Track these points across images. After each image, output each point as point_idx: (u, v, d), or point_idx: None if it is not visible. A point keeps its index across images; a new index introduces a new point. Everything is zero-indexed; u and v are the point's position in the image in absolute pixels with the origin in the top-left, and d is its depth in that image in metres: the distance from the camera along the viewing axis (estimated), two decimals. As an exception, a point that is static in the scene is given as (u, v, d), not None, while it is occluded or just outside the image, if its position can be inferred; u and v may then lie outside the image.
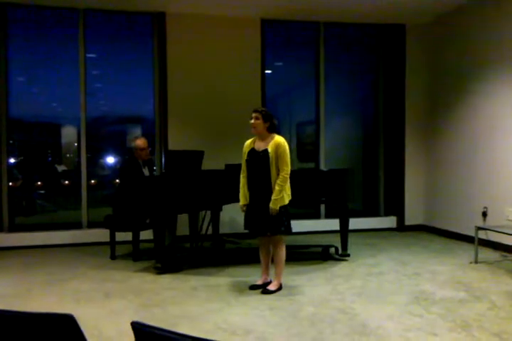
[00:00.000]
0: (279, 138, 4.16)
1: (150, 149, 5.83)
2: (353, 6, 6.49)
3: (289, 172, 4.09)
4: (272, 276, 4.38)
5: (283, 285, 4.30)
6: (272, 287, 4.24)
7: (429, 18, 7.08)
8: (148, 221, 5.49)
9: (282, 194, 4.06)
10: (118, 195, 5.74)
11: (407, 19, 7.17)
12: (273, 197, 4.04)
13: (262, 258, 4.39)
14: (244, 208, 4.27)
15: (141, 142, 5.68)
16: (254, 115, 4.18)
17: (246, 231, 4.40)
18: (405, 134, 7.41)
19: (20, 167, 7.13)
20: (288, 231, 4.19)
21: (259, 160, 4.13)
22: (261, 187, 4.12)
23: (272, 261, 4.34)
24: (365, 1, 6.29)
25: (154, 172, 6.04)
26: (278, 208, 4.05)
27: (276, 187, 4.04)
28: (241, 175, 4.30)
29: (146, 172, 5.72)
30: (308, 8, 6.61)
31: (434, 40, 7.24)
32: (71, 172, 7.36)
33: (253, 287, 4.31)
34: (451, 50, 6.84)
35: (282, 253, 4.25)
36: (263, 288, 4.24)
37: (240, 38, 6.91)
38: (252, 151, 4.21)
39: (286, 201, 4.12)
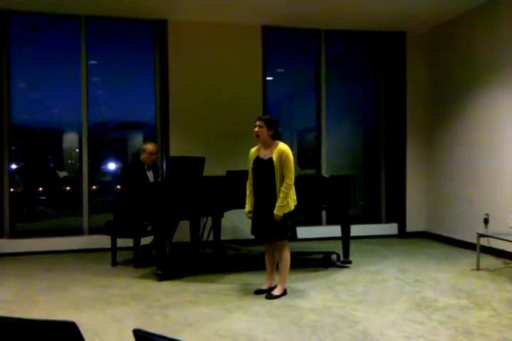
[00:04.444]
0: (282, 146, 4.19)
1: (158, 156, 5.85)
2: (354, 13, 6.53)
3: (293, 179, 4.12)
4: (277, 281, 4.38)
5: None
6: (276, 292, 4.25)
7: (429, 25, 7.11)
8: (149, 228, 5.49)
9: (287, 200, 4.09)
10: (119, 201, 5.73)
11: (407, 27, 7.20)
12: (278, 204, 4.08)
13: (267, 263, 4.42)
14: (250, 215, 4.31)
15: (152, 147, 5.67)
16: (257, 123, 4.21)
17: (247, 237, 4.40)
18: (406, 140, 7.43)
19: (21, 173, 7.14)
20: (294, 236, 4.23)
21: (265, 169, 4.17)
22: (266, 194, 4.17)
23: (277, 266, 4.36)
24: (366, 8, 6.32)
25: (159, 178, 6.03)
26: (282, 215, 4.08)
27: (281, 195, 4.08)
28: (247, 183, 4.34)
29: (150, 176, 5.71)
30: (309, 16, 6.65)
31: (434, 48, 7.27)
32: (72, 178, 7.37)
33: (258, 291, 4.34)
34: (451, 57, 6.86)
35: (287, 258, 4.27)
36: (267, 293, 4.25)
37: (241, 45, 6.94)
38: (258, 159, 4.25)
39: (292, 207, 4.15)
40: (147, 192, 4.96)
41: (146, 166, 5.68)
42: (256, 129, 4.21)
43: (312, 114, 7.52)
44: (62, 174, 7.56)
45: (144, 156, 5.67)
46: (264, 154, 4.23)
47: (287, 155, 4.14)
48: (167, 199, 4.80)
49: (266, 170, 4.16)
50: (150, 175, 5.71)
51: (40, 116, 7.24)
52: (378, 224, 7.57)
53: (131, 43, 7.20)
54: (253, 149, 4.35)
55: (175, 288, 4.60)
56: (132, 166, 5.77)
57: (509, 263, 5.49)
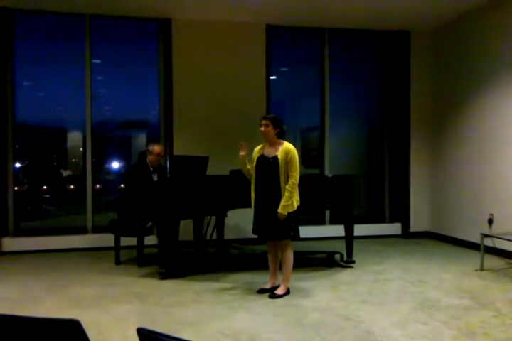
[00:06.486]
0: (288, 145, 4.20)
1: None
2: (358, 12, 6.51)
3: (298, 178, 4.12)
4: (279, 281, 4.38)
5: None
6: (279, 291, 4.25)
7: (433, 24, 7.09)
8: (148, 225, 5.46)
9: (291, 200, 4.09)
10: (123, 200, 5.73)
11: (411, 25, 7.18)
12: (282, 203, 4.07)
13: (270, 262, 4.42)
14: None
15: (159, 148, 5.60)
16: (263, 122, 4.22)
17: (250, 236, 4.39)
18: (410, 140, 7.41)
19: (25, 171, 7.16)
20: (296, 236, 4.22)
21: (269, 166, 4.17)
22: (270, 192, 4.15)
23: (280, 266, 4.35)
24: (370, 7, 6.31)
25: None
26: (286, 214, 4.07)
27: (286, 193, 4.07)
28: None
29: (155, 178, 5.64)
30: (314, 14, 6.64)
31: (438, 47, 7.25)
32: (76, 176, 7.39)
33: (261, 291, 4.33)
34: (455, 56, 6.84)
35: (290, 257, 4.27)
36: (270, 293, 4.25)
37: (245, 43, 6.94)
38: (262, 157, 4.24)
39: (295, 206, 4.14)
40: (151, 191, 4.95)
41: (151, 167, 5.63)
42: (262, 128, 4.22)
43: (316, 113, 7.51)
44: (66, 173, 7.59)
45: (150, 157, 5.57)
46: (269, 152, 4.23)
47: (293, 155, 4.14)
48: (171, 198, 4.80)
49: (270, 168, 4.15)
50: (155, 177, 5.63)
51: (44, 115, 7.25)
52: (382, 223, 7.55)
53: (135, 42, 7.20)
54: (257, 148, 4.35)
55: (178, 286, 4.60)
56: (137, 166, 5.68)
57: (513, 264, 5.48)
